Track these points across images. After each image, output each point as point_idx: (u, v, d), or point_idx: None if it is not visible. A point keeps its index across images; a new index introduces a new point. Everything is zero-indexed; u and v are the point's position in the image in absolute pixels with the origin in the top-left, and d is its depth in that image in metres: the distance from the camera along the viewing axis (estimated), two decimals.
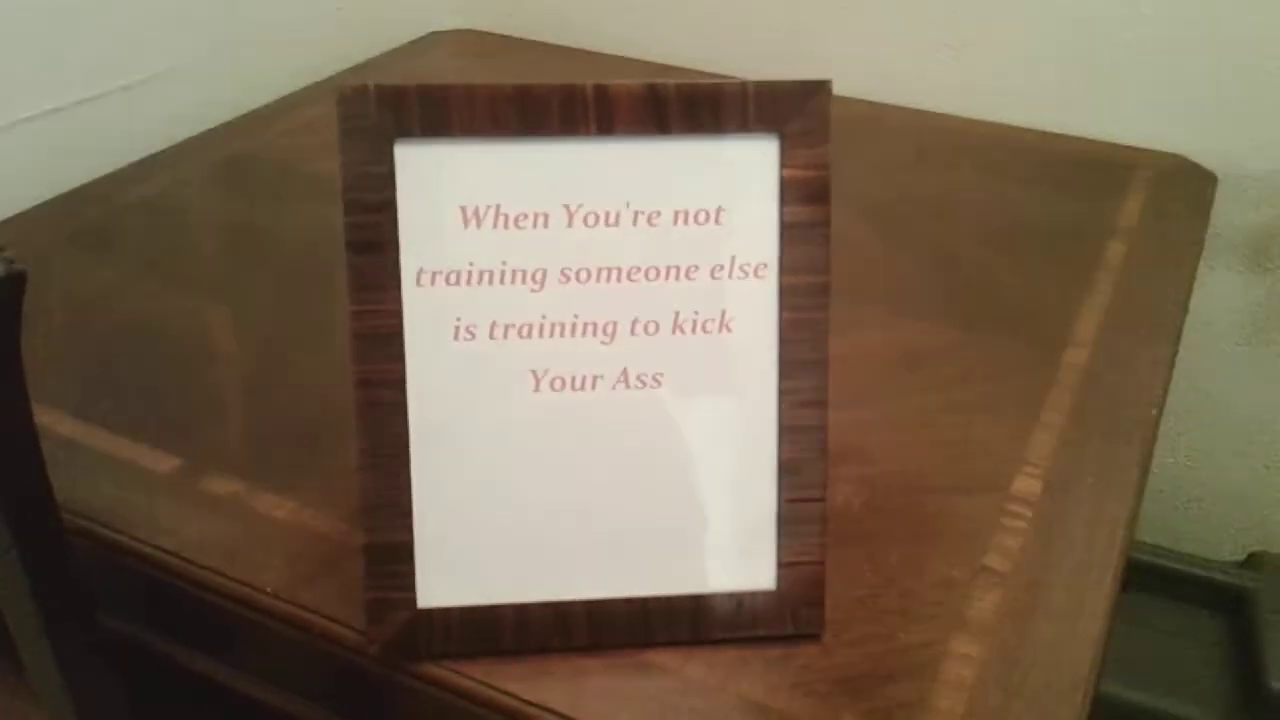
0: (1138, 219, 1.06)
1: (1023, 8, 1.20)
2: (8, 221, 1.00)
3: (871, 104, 1.28)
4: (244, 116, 1.23)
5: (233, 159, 1.15)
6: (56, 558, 0.57)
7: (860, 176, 1.12)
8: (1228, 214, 1.17)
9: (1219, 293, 1.21)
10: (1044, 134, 1.21)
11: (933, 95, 1.26)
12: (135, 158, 1.12)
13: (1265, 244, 1.17)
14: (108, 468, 0.72)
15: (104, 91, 1.10)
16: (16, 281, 0.43)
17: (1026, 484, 0.73)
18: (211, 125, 1.20)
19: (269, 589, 0.64)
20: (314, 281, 0.92)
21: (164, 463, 0.73)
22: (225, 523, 0.69)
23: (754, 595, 0.61)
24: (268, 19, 1.27)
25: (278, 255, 0.99)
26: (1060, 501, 0.71)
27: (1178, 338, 0.90)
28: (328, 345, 0.81)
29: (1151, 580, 1.19)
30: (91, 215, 1.02)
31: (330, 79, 1.29)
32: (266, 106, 1.25)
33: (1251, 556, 1.21)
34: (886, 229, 1.04)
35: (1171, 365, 0.88)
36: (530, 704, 0.58)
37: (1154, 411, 0.80)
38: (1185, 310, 0.95)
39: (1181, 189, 1.12)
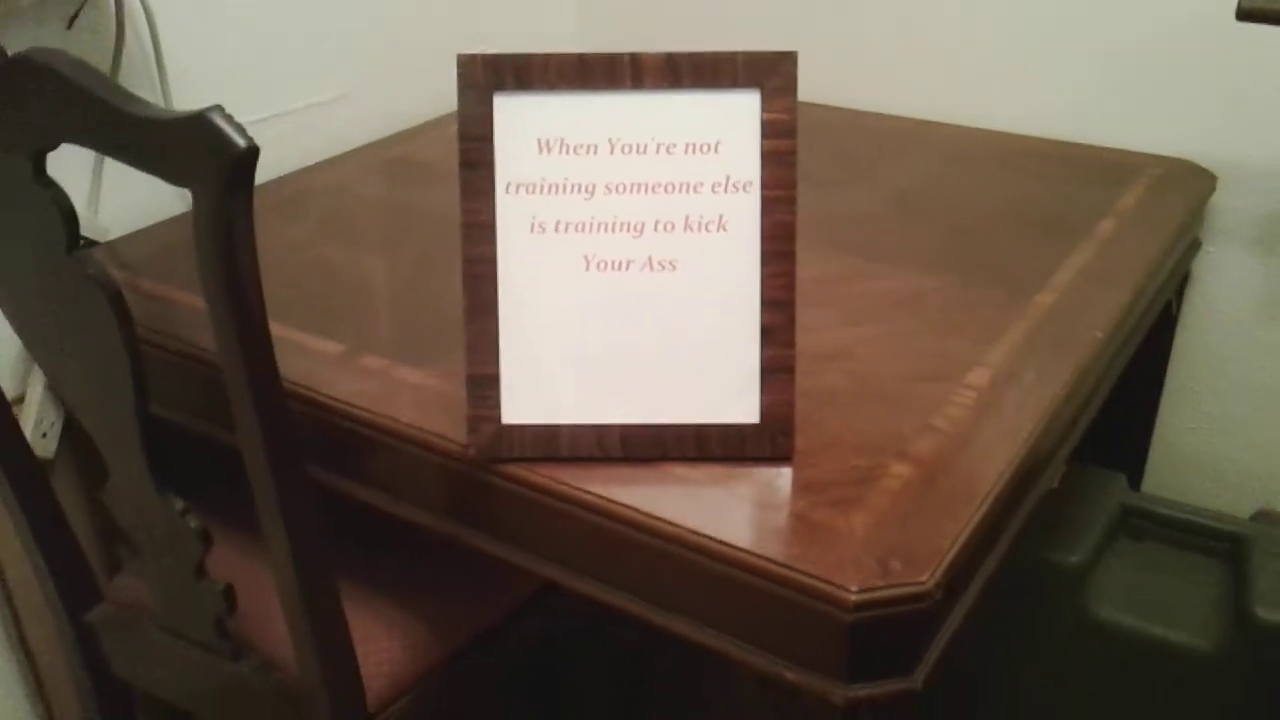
0: (1133, 206, 1.24)
1: (1050, 36, 1.40)
2: None
3: (921, 121, 1.50)
4: (399, 133, 1.53)
5: (390, 160, 1.45)
6: (283, 415, 0.82)
7: (896, 174, 1.34)
8: (1233, 207, 1.34)
9: (1231, 276, 1.37)
10: (1065, 143, 1.41)
11: (970, 113, 1.47)
12: (321, 157, 1.42)
13: (1267, 232, 1.34)
14: (299, 352, 0.99)
15: (302, 106, 1.41)
16: (252, 153, 0.69)
17: (978, 376, 0.93)
18: (375, 138, 1.50)
19: (404, 419, 0.89)
20: (443, 238, 1.18)
21: (333, 348, 1.00)
22: (375, 383, 0.95)
23: (742, 426, 0.83)
24: (416, 57, 1.57)
25: (419, 223, 1.27)
26: (1002, 388, 0.91)
27: (1140, 289, 1.09)
28: (451, 278, 1.07)
29: (1162, 531, 1.34)
30: (288, 193, 1.32)
31: None
32: (415, 126, 1.55)
33: (1257, 514, 1.35)
34: (909, 209, 1.26)
35: (1130, 309, 1.06)
36: (579, 489, 0.81)
37: (1098, 334, 0.99)
38: (1155, 269, 1.13)
39: (1181, 185, 1.30)
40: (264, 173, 1.32)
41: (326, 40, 1.43)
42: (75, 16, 1.17)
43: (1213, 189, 1.32)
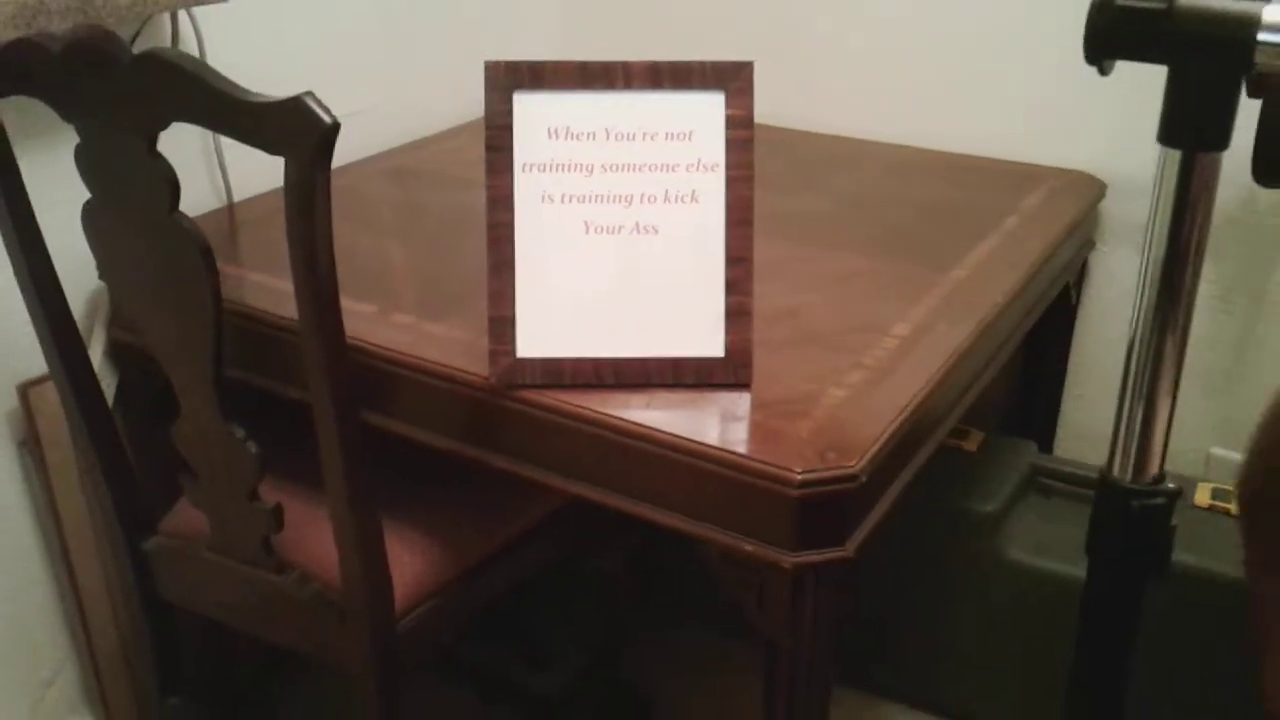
0: (1035, 207, 1.47)
1: (971, 71, 1.64)
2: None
3: (865, 140, 1.73)
4: (401, 145, 1.74)
5: (393, 169, 1.65)
6: (344, 352, 1.01)
7: (842, 182, 1.57)
8: (1120, 212, 1.58)
9: (1119, 271, 1.61)
10: (983, 158, 1.64)
11: (906, 133, 1.70)
12: (344, 161, 1.62)
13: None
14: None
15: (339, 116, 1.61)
16: (335, 127, 0.89)
17: (899, 329, 1.15)
18: (388, 147, 1.71)
19: (431, 359, 1.09)
20: (446, 229, 1.39)
21: (368, 309, 1.20)
22: (405, 334, 1.15)
23: (711, 359, 1.04)
24: (419, 84, 1.77)
25: (424, 217, 1.48)
26: (918, 337, 1.13)
27: (1034, 269, 1.31)
28: (456, 257, 1.27)
29: (1066, 487, 1.56)
30: (351, 184, 1.52)
31: (469, 123, 1.78)
32: (424, 138, 1.76)
33: None
34: (850, 209, 1.48)
35: (1026, 284, 1.28)
36: (580, 407, 1.01)
37: (998, 299, 1.21)
38: (1049, 255, 1.35)
39: (1075, 192, 1.53)
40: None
41: (343, 65, 1.64)
42: (135, 37, 1.37)
43: (1103, 195, 1.56)
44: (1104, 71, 0.56)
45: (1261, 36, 0.49)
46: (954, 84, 1.66)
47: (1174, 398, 0.60)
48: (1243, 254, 1.53)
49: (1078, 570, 1.43)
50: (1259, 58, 0.50)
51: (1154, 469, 0.61)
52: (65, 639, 1.51)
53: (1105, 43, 0.52)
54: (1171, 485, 0.61)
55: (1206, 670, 1.32)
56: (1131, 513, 0.61)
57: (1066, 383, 1.69)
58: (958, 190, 1.54)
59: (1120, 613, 0.64)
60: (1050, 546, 1.49)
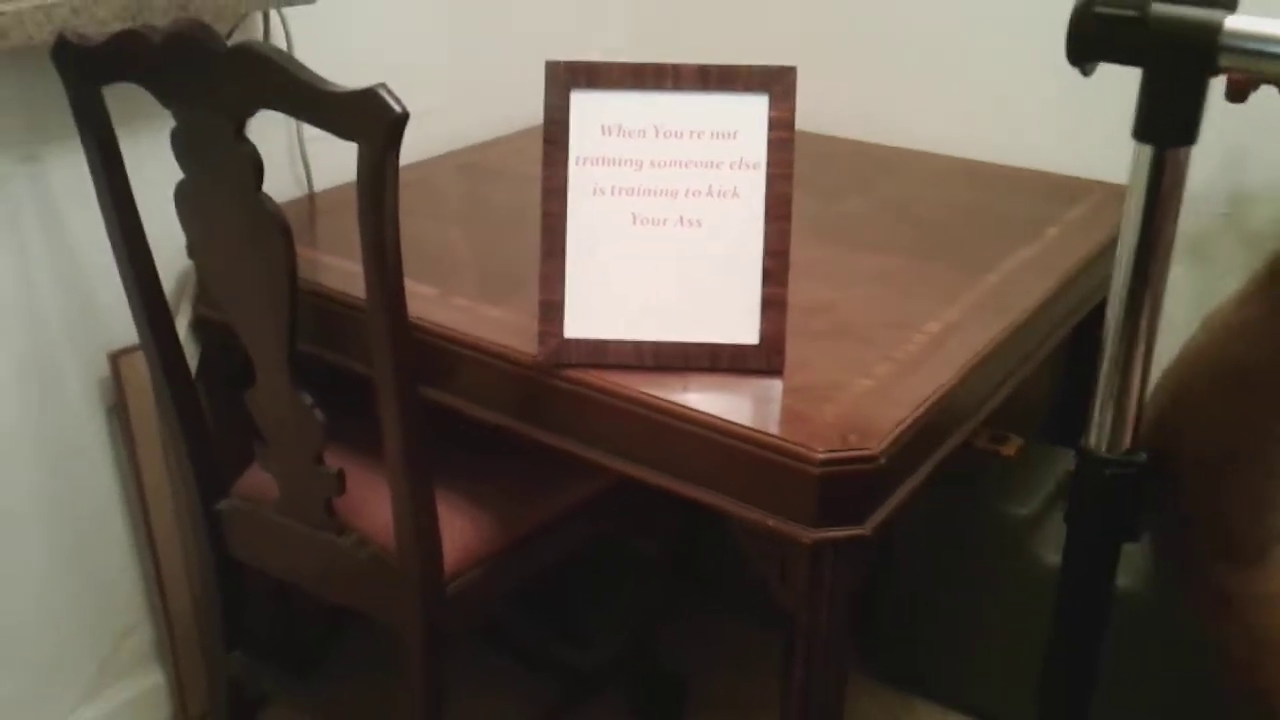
0: (1078, 218, 1.51)
1: (1020, 84, 1.68)
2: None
3: (915, 151, 1.78)
4: (471, 145, 1.83)
5: (463, 165, 1.74)
6: (407, 326, 1.09)
7: (888, 189, 1.62)
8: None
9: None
10: (1030, 170, 1.68)
11: (954, 144, 1.75)
12: (407, 161, 1.72)
13: (1195, 246, 1.60)
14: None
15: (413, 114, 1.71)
16: (405, 116, 0.97)
17: (930, 326, 1.20)
18: (460, 146, 1.80)
19: (486, 338, 1.17)
20: (507, 219, 1.47)
21: (430, 291, 1.28)
22: (463, 315, 1.23)
23: (746, 346, 1.10)
24: (489, 85, 1.86)
25: (487, 209, 1.56)
26: (947, 335, 1.18)
27: (1069, 277, 1.35)
28: (515, 246, 1.34)
29: None
30: (421, 178, 1.62)
31: (538, 126, 1.87)
32: (495, 138, 1.85)
33: None
34: (892, 214, 1.54)
35: (1059, 292, 1.32)
36: (622, 386, 1.08)
37: (1030, 304, 1.26)
38: (1086, 264, 1.39)
39: (1121, 203, 1.57)
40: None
41: (420, 65, 1.74)
42: (231, 33, 1.47)
43: None
44: (1086, 73, 0.61)
45: (1224, 42, 0.55)
46: (1004, 97, 1.70)
47: (1145, 378, 0.65)
48: (1225, 254, 1.56)
49: (1123, 578, 1.48)
50: (1222, 61, 0.56)
51: (1127, 441, 0.66)
52: (141, 596, 1.61)
53: (1085, 47, 0.58)
54: (1142, 457, 0.66)
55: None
56: (1105, 481, 0.66)
57: None
58: (1002, 200, 1.59)
59: (1096, 578, 0.69)
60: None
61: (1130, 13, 0.55)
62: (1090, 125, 1.64)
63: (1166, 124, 0.58)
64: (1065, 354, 1.74)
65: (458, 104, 1.82)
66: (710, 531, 1.10)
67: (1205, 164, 1.56)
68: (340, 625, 1.71)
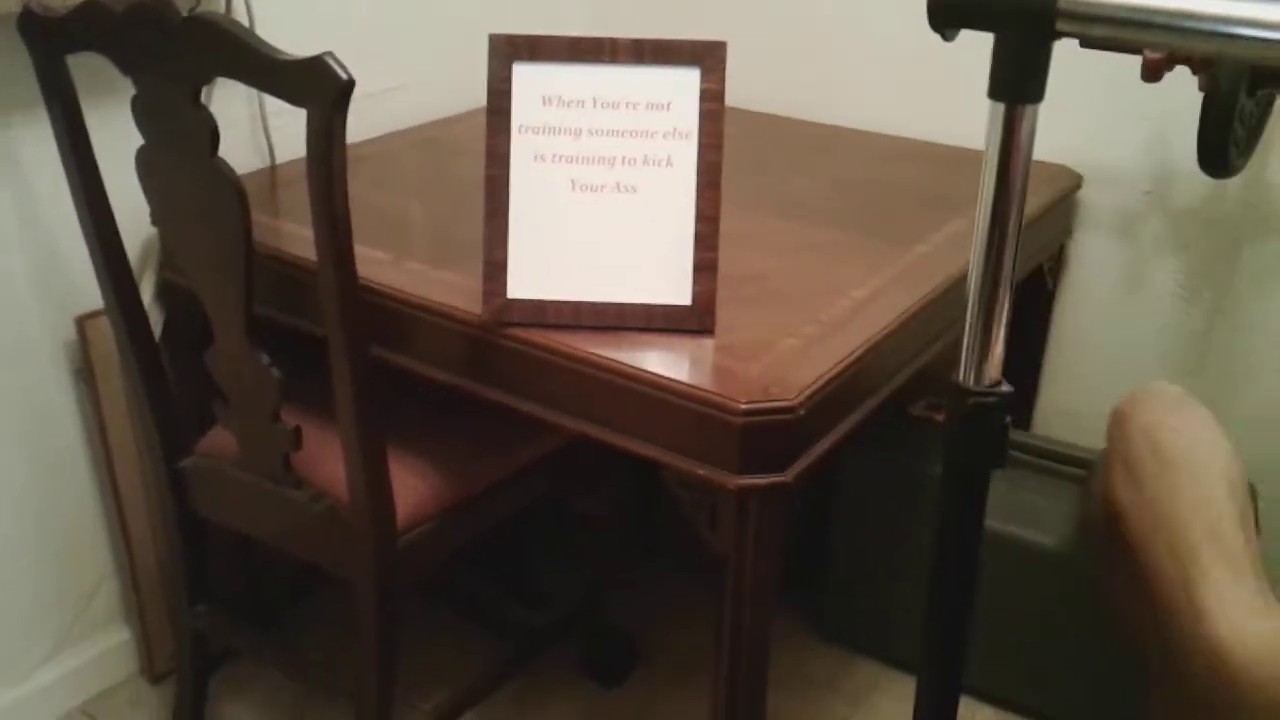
0: None
1: (954, 66, 1.74)
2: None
3: (858, 130, 1.84)
4: (433, 120, 1.88)
5: (425, 139, 1.80)
6: (355, 287, 1.15)
7: (833, 168, 1.68)
8: (1097, 203, 1.68)
9: (1095, 259, 1.71)
10: (966, 149, 1.75)
11: (894, 124, 1.81)
12: (371, 136, 1.77)
13: (1123, 223, 1.67)
14: (358, 259, 1.32)
15: (374, 92, 1.76)
16: (351, 83, 1.02)
17: (856, 292, 1.26)
18: (422, 121, 1.85)
19: (434, 299, 1.23)
20: (465, 192, 1.53)
21: (383, 256, 1.34)
22: (414, 279, 1.29)
23: (678, 306, 1.17)
24: (451, 62, 1.91)
25: (445, 182, 1.62)
26: (872, 300, 1.25)
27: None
28: (470, 217, 1.40)
29: (1031, 459, 1.67)
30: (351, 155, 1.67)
31: None
32: (457, 114, 1.90)
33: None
34: (832, 190, 1.60)
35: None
36: (561, 344, 1.15)
37: (952, 272, 1.32)
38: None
39: (1051, 181, 1.64)
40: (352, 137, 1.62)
41: (381, 44, 1.79)
42: (194, 8, 1.52)
43: (1079, 186, 1.66)
44: (947, 38, 0.68)
45: (1060, 8, 0.61)
46: (945, 80, 1.76)
47: (1006, 318, 0.72)
48: (1208, 247, 1.63)
49: (1042, 536, 1.55)
50: (1059, 26, 0.62)
51: (992, 376, 0.73)
52: (108, 555, 1.67)
53: (943, 15, 0.64)
54: (1006, 388, 0.73)
55: None
56: (970, 409, 0.72)
57: (1045, 365, 1.79)
58: (937, 177, 1.65)
59: (969, 500, 0.76)
60: (1012, 513, 1.59)
61: None
62: None
63: (1015, 84, 0.65)
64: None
65: (420, 81, 1.88)
66: (659, 493, 1.16)
67: (1130, 144, 1.64)
68: (302, 583, 1.77)
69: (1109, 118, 1.65)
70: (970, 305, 0.72)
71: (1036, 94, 0.65)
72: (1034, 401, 1.82)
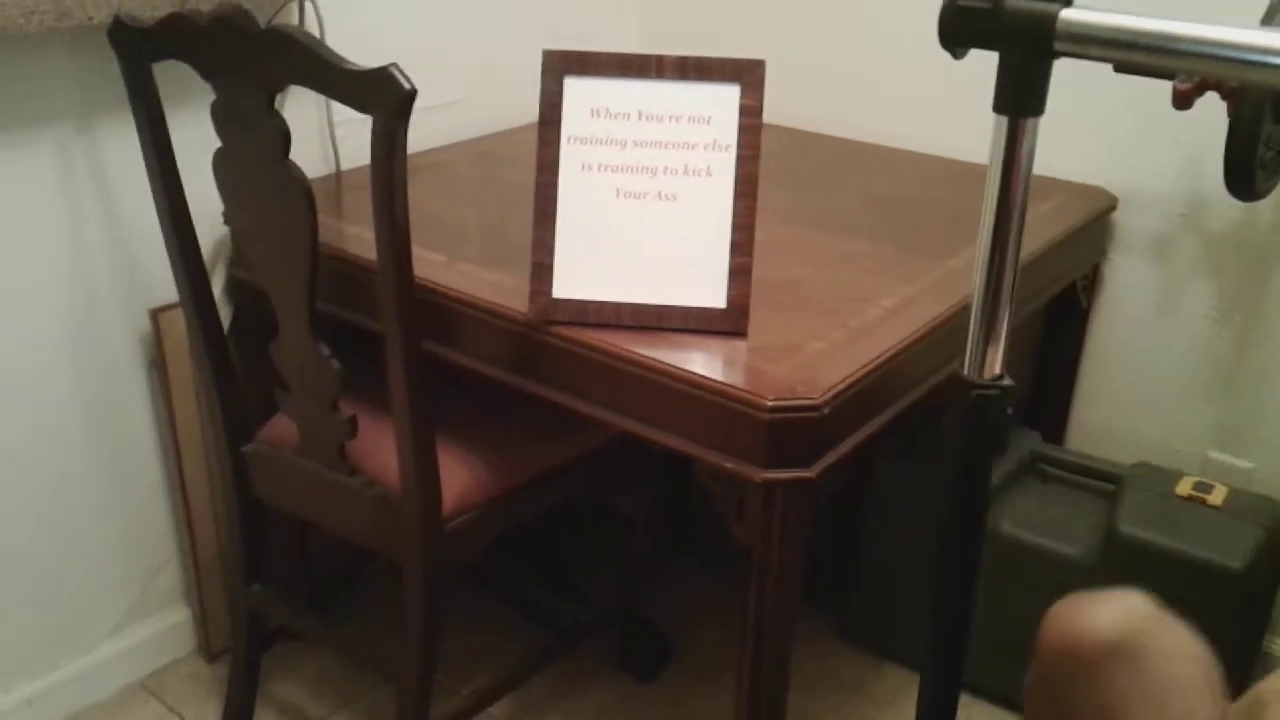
0: (1042, 213, 1.63)
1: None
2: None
3: (894, 149, 1.90)
4: (490, 134, 1.97)
5: (482, 151, 1.89)
6: (410, 296, 1.23)
7: (873, 185, 1.74)
8: (1131, 225, 1.72)
9: (1129, 280, 1.75)
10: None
11: (931, 143, 1.87)
12: (430, 147, 1.86)
13: (1157, 245, 1.71)
14: (414, 260, 1.41)
15: (435, 105, 1.85)
16: (413, 92, 1.10)
17: (887, 301, 1.32)
18: (481, 134, 1.94)
19: (484, 298, 1.30)
20: (517, 201, 1.61)
21: (438, 258, 1.42)
22: (466, 279, 1.36)
23: (714, 309, 1.23)
24: (508, 78, 2.00)
25: (499, 191, 1.70)
26: (901, 309, 1.30)
27: (1026, 265, 1.46)
28: (520, 223, 1.48)
29: (1062, 474, 1.70)
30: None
31: None
32: (515, 127, 1.99)
33: (1137, 464, 1.70)
34: (868, 204, 1.66)
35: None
36: (603, 342, 1.21)
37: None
38: (1044, 254, 1.51)
39: (1086, 202, 1.68)
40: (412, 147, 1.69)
41: (444, 60, 1.88)
42: (272, 19, 1.62)
43: (1113, 207, 1.70)
44: (957, 56, 0.73)
45: (1059, 30, 0.67)
46: (981, 101, 1.82)
47: (1008, 318, 0.77)
48: (1240, 271, 1.66)
49: (1066, 546, 1.59)
50: (1058, 46, 0.68)
51: (994, 371, 0.78)
52: (171, 537, 1.76)
53: (952, 34, 0.70)
54: (1008, 382, 0.78)
55: None
56: (972, 401, 0.78)
57: (1079, 383, 1.83)
58: (971, 196, 1.69)
59: (971, 489, 0.81)
60: (1042, 524, 1.63)
61: (985, 5, 0.68)
62: (1064, 132, 1.75)
63: (1017, 98, 0.70)
64: (1036, 349, 1.86)
65: (479, 95, 1.96)
66: (695, 495, 1.22)
67: (1165, 168, 1.68)
68: (353, 569, 1.85)
69: (1145, 142, 1.69)
70: (975, 304, 0.77)
71: (1037, 108, 0.71)
72: (1068, 417, 1.85)
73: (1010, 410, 0.78)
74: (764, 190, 1.23)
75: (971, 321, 0.78)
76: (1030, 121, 0.71)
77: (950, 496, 0.81)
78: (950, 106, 1.86)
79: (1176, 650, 0.84)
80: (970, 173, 1.80)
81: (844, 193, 1.72)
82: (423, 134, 1.85)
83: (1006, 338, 0.78)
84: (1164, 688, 0.83)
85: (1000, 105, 0.71)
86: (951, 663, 0.90)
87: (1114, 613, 0.86)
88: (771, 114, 1.92)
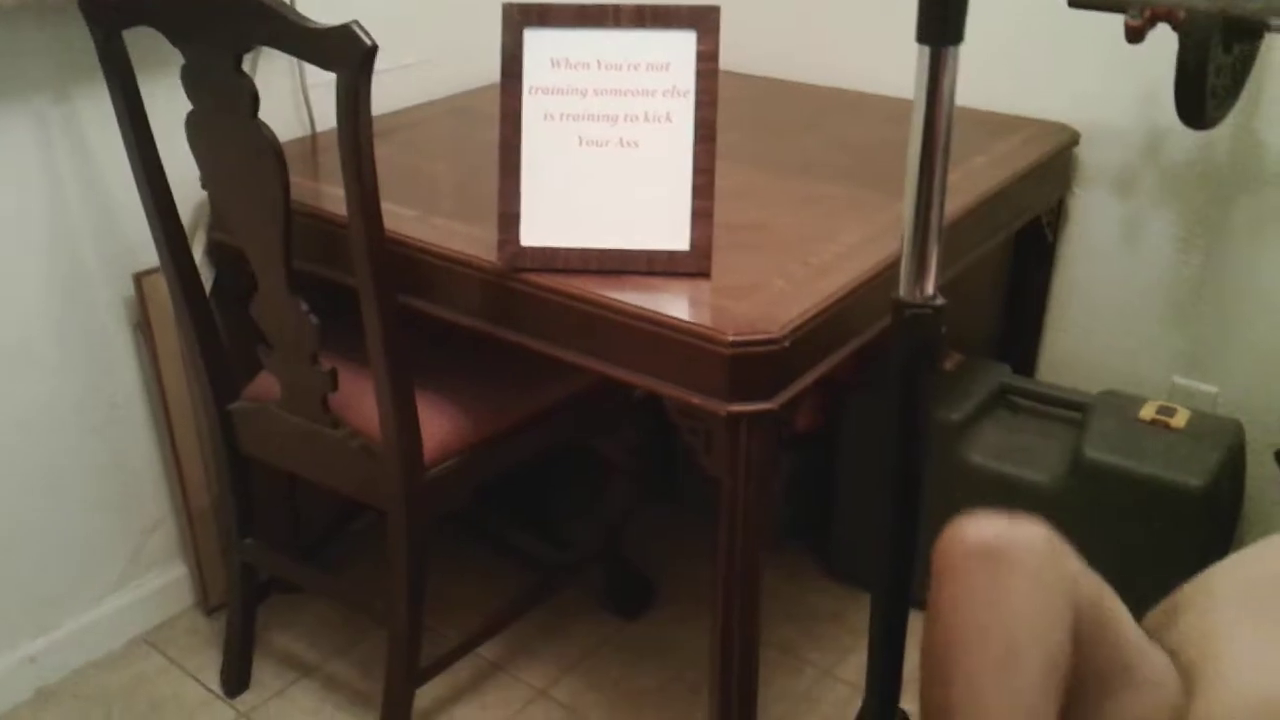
0: (1005, 150, 1.66)
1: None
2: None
3: (864, 93, 1.93)
4: (465, 91, 1.99)
5: (463, 107, 1.91)
6: (381, 248, 1.27)
7: (839, 129, 1.77)
8: (1095, 160, 1.75)
9: (1094, 214, 1.78)
10: (970, 109, 1.82)
11: (900, 86, 1.89)
12: (406, 105, 1.89)
13: (1121, 178, 1.74)
14: (388, 215, 1.41)
15: (407, 64, 1.87)
16: (374, 48, 1.14)
17: (847, 238, 1.36)
18: (455, 92, 1.97)
19: (455, 248, 1.34)
20: (489, 156, 1.64)
21: (411, 213, 1.45)
22: (438, 232, 1.40)
23: (677, 251, 1.27)
24: (480, 36, 2.02)
25: (473, 147, 1.72)
26: (861, 247, 1.34)
27: (982, 198, 1.50)
28: (492, 178, 1.51)
29: (1030, 404, 1.75)
30: (380, 128, 1.78)
31: None
32: (489, 84, 2.01)
33: (1103, 392, 1.74)
34: (836, 148, 1.69)
35: (973, 210, 1.47)
36: (570, 287, 1.25)
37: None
38: (1002, 189, 1.54)
39: (1049, 138, 1.71)
40: (377, 109, 1.72)
41: (414, 21, 1.90)
42: None
43: (1076, 142, 1.73)
44: None
45: None
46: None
47: (938, 241, 0.81)
48: (1201, 200, 1.69)
49: (1034, 474, 1.63)
50: None
51: (927, 291, 0.82)
52: (165, 496, 1.80)
53: None
54: (940, 301, 0.82)
55: (1114, 548, 1.50)
56: (908, 319, 0.82)
57: (1048, 316, 1.87)
58: None
59: (911, 402, 0.85)
60: (1011, 453, 1.68)
61: None
62: (1029, 73, 1.79)
63: (938, 27, 0.74)
64: (1006, 284, 1.90)
65: (452, 54, 1.98)
66: (677, 438, 1.27)
67: (1126, 104, 1.71)
68: (342, 520, 1.89)
69: (1106, 78, 1.72)
70: (906, 230, 0.81)
71: (956, 36, 0.74)
72: (1038, 350, 1.89)
73: (944, 328, 0.82)
74: (732, 137, 1.26)
75: (904, 247, 0.82)
76: (951, 50, 0.74)
77: (892, 411, 0.86)
78: (911, 51, 1.88)
79: (1040, 573, 0.88)
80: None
81: (811, 137, 1.75)
82: (396, 93, 1.88)
83: (938, 260, 0.81)
84: (1008, 601, 0.88)
85: (923, 35, 0.74)
86: (899, 578, 0.94)
87: (995, 528, 0.91)
88: (740, 62, 1.97)
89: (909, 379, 0.83)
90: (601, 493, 1.81)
